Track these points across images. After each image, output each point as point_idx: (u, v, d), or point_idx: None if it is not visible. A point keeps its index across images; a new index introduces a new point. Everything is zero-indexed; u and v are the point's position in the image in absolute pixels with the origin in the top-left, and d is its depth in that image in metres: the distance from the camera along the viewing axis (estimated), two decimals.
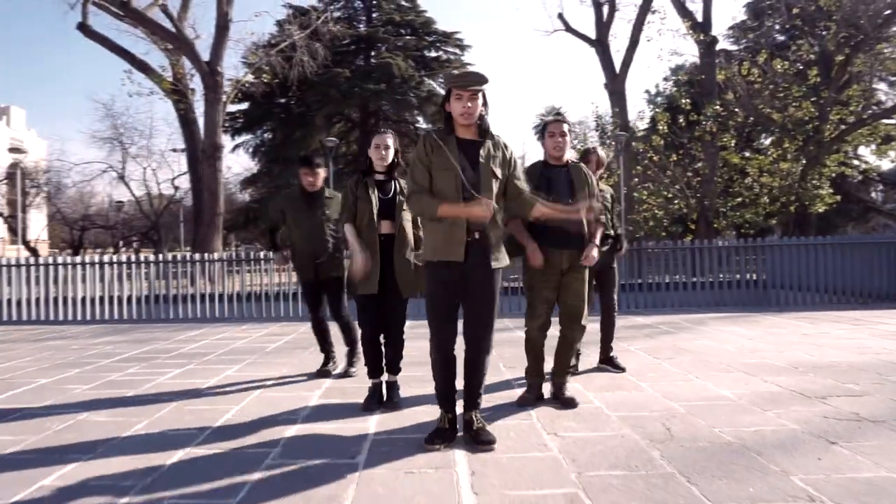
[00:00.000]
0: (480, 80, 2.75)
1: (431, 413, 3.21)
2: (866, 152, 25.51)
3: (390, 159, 3.61)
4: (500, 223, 2.91)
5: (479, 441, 2.79)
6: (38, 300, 9.30)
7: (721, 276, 9.38)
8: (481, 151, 2.81)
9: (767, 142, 21.97)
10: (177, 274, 9.66)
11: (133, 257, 9.93)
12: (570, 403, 3.49)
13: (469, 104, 2.74)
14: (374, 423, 3.24)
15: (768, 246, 9.77)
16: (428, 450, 2.75)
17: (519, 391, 3.73)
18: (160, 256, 9.94)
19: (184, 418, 3.40)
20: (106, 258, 9.70)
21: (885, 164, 26.66)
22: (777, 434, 2.89)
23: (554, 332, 3.57)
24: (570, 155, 3.62)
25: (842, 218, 31.12)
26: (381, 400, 3.60)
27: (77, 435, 3.12)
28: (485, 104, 2.80)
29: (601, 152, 4.45)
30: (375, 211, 3.53)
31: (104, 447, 2.91)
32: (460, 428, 2.93)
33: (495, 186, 2.81)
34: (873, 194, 33.37)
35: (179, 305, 9.28)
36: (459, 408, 2.99)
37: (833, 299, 8.98)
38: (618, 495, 2.23)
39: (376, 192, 3.57)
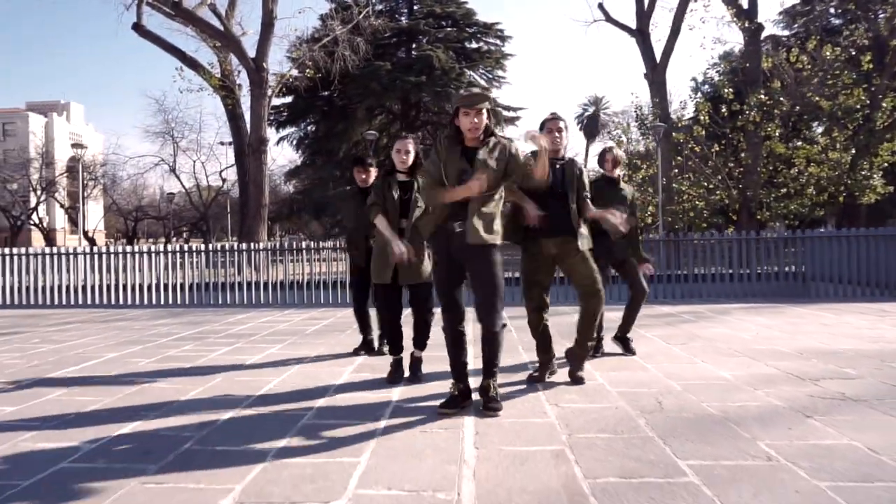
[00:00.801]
0: (485, 98, 3.15)
1: (450, 387, 3.58)
2: None
3: (410, 162, 3.99)
4: (494, 207, 3.23)
5: (487, 407, 3.17)
6: (99, 286, 10.11)
7: (751, 268, 9.42)
8: (480, 152, 3.20)
9: (819, 130, 21.36)
10: (225, 263, 10.32)
11: (185, 247, 10.62)
12: (577, 381, 3.82)
13: (476, 120, 3.14)
14: (397, 393, 3.65)
15: (801, 238, 9.72)
16: (441, 415, 3.14)
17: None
18: (209, 246, 10.61)
19: (233, 387, 3.88)
20: (160, 248, 10.44)
21: None
22: (759, 409, 3.16)
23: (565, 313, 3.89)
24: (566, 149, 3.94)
25: None
26: (402, 373, 4.03)
27: (143, 398, 3.64)
28: (489, 116, 3.20)
29: (617, 151, 4.70)
30: (397, 209, 3.94)
31: (166, 408, 3.41)
32: (474, 396, 3.31)
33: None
34: None
35: (227, 292, 9.94)
36: (473, 383, 3.37)
37: (871, 292, 8.92)
38: (599, 452, 2.57)
39: (397, 191, 3.96)
